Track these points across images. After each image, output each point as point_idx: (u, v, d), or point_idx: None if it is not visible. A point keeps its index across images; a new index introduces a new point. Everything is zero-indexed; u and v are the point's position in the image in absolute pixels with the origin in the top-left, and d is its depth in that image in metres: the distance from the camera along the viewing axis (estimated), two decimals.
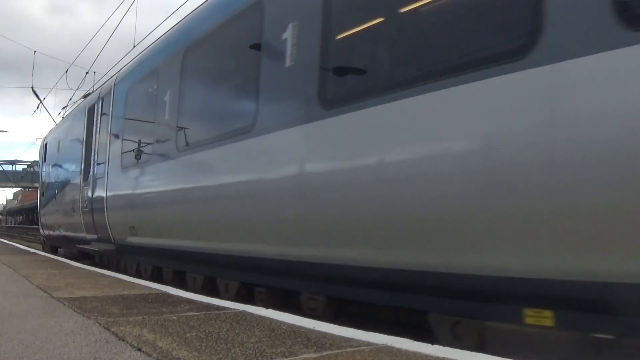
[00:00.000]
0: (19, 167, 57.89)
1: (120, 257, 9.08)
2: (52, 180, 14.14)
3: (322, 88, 4.27)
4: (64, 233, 12.37)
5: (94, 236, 9.60)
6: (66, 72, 17.18)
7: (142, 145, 7.61)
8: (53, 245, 14.59)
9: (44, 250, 14.99)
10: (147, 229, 7.54)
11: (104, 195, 8.76)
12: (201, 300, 4.60)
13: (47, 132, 16.27)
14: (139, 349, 2.69)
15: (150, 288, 5.46)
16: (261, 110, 5.01)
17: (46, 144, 15.44)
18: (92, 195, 9.48)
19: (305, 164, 4.43)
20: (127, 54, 11.37)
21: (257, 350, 2.66)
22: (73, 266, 8.62)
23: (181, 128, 6.47)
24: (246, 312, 3.92)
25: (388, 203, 3.63)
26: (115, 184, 8.46)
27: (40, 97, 20.34)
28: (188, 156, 6.25)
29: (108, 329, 3.20)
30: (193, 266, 6.59)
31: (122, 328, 3.24)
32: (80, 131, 11.10)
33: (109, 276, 6.83)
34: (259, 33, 5.13)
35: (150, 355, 2.57)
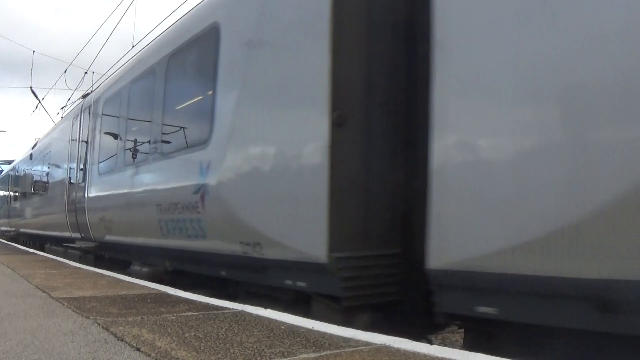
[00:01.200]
0: None
1: (18, 237, 20.58)
2: None
3: None
4: (2, 228, 26.22)
5: (12, 229, 22.10)
6: (65, 72, 17.24)
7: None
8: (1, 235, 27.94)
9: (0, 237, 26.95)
10: (12, 225, 20.78)
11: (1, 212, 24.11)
12: (200, 300, 4.61)
13: None
14: (138, 349, 2.69)
15: (149, 288, 5.46)
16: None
17: None
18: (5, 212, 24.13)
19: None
20: (126, 54, 11.46)
21: (255, 350, 2.66)
22: (72, 266, 8.63)
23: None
24: (245, 312, 3.92)
25: None
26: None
27: (39, 97, 20.55)
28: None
29: (107, 329, 3.20)
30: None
31: (120, 328, 3.24)
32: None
33: (108, 276, 6.82)
34: None
35: (149, 355, 2.57)
